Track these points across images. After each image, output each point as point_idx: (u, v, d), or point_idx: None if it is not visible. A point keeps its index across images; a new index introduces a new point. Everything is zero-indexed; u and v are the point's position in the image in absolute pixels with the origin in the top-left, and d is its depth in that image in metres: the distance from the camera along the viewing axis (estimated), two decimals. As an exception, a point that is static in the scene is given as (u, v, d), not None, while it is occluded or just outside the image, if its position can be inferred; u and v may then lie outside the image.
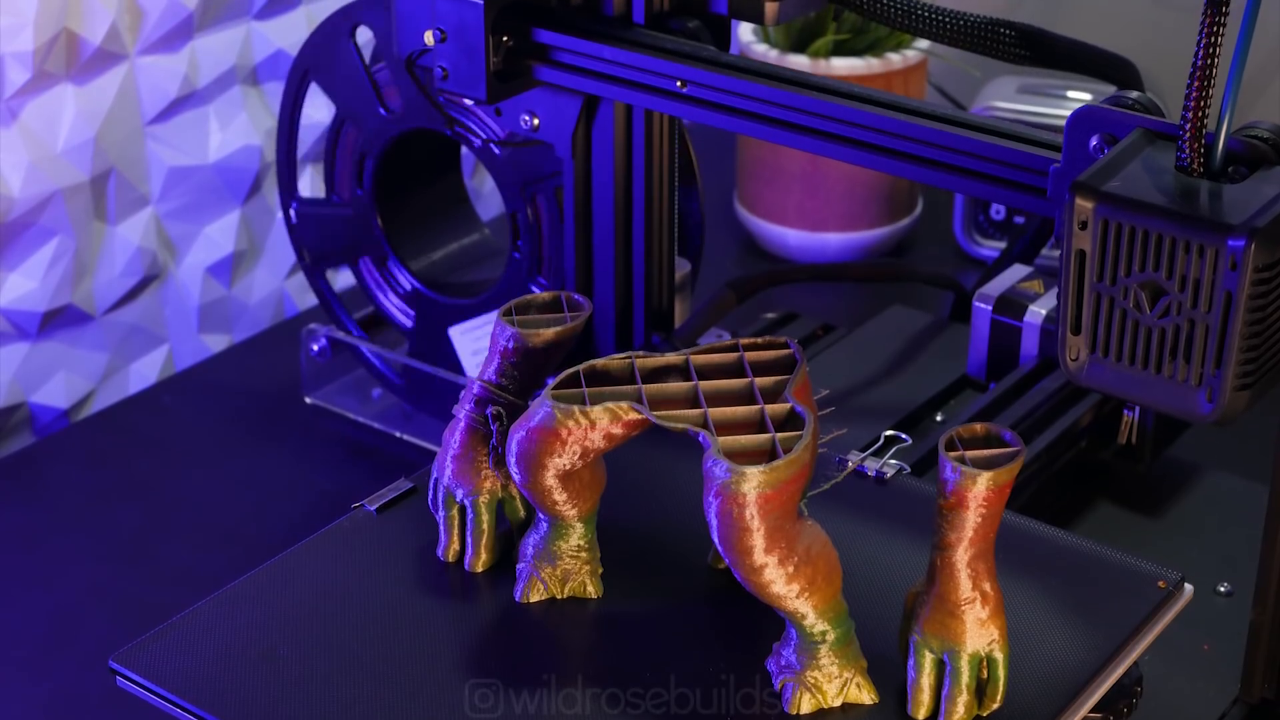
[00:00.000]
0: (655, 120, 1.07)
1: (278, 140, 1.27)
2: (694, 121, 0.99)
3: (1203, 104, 0.77)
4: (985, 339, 1.17)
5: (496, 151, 1.16)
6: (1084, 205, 0.77)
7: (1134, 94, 0.84)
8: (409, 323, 1.26)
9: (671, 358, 0.85)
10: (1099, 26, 0.98)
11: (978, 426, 0.80)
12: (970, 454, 0.78)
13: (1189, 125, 0.78)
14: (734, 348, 0.86)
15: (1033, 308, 1.15)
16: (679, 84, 0.98)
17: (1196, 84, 0.77)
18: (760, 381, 0.83)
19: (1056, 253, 1.47)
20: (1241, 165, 0.79)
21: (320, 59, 1.22)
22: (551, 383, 0.85)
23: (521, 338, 0.90)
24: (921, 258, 1.56)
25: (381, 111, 1.20)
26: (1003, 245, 1.49)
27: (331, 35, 1.21)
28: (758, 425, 0.81)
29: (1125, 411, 1.13)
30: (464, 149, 1.30)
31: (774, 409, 0.81)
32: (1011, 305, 1.16)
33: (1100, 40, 1.05)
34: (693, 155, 1.18)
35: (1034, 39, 0.98)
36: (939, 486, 0.79)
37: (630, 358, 0.85)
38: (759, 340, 0.86)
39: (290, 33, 1.46)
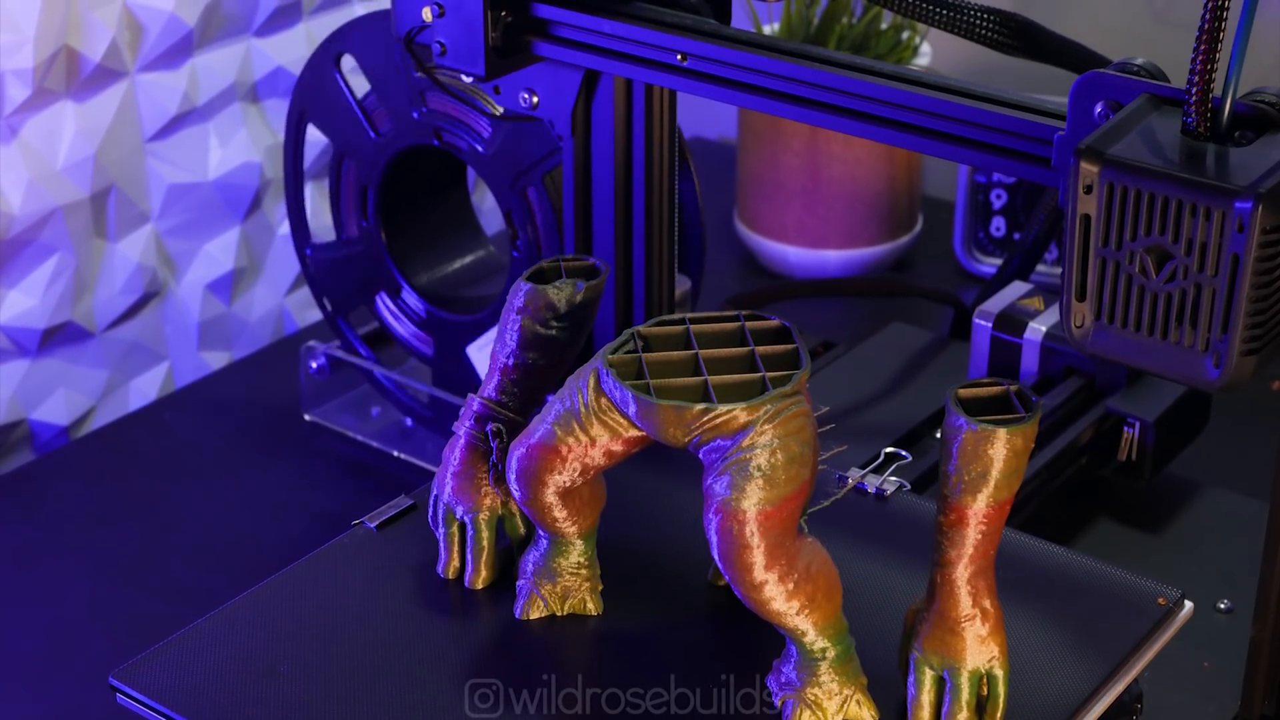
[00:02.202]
0: (655, 96, 1.06)
1: (285, 187, 1.27)
2: (695, 96, 0.98)
3: (1209, 67, 0.76)
4: (985, 356, 1.17)
5: (481, 150, 1.16)
6: (1089, 169, 0.76)
7: (1139, 60, 0.83)
8: (429, 350, 1.26)
9: (672, 327, 0.85)
10: (1098, 42, 0.98)
11: (986, 385, 0.80)
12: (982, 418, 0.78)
13: (1195, 88, 0.77)
14: (735, 318, 0.85)
15: (1033, 324, 1.15)
16: (680, 57, 0.97)
17: (1203, 46, 0.76)
18: (761, 350, 0.83)
19: (1055, 270, 1.47)
20: (1248, 130, 0.78)
21: (311, 98, 1.22)
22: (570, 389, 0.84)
23: (542, 295, 0.90)
24: (921, 275, 1.56)
25: (372, 135, 1.20)
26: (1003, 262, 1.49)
27: (318, 70, 1.21)
28: (759, 392, 0.80)
29: (1125, 429, 1.13)
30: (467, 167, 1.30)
31: (776, 376, 0.81)
32: (1012, 322, 1.16)
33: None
34: (693, 170, 1.18)
35: (1026, 31, 0.98)
36: (944, 449, 0.79)
37: (633, 332, 0.84)
38: (759, 313, 0.86)
39: (290, 50, 1.46)
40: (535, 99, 1.05)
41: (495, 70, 1.03)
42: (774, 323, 0.85)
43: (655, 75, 0.99)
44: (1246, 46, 0.76)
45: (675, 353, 0.83)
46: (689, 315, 0.85)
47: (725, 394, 0.80)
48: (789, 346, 0.83)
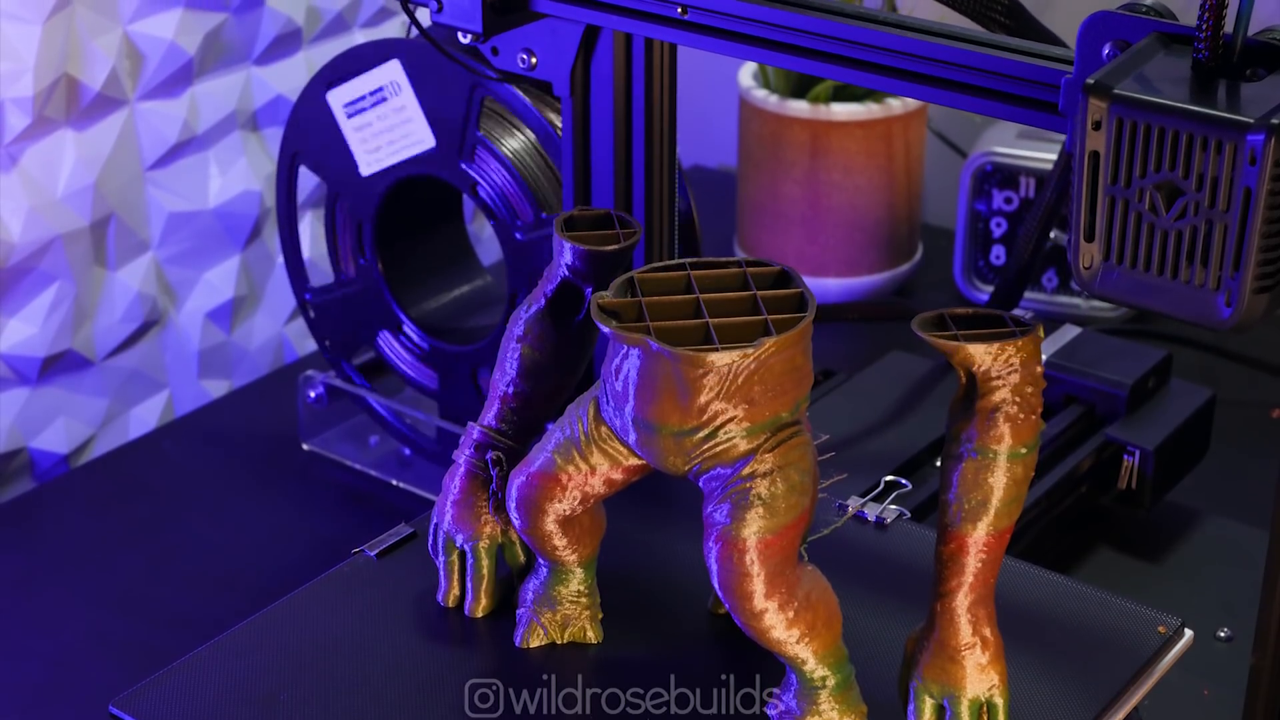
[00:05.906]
0: (656, 52, 1.04)
1: (280, 231, 1.27)
2: (697, 50, 0.96)
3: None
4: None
5: (519, 237, 1.15)
6: (1098, 104, 0.75)
7: (1148, 0, 0.81)
8: (434, 384, 1.25)
9: (671, 273, 0.83)
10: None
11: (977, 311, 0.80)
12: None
13: (1206, 21, 0.75)
14: (737, 263, 0.84)
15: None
16: (680, 10, 0.95)
17: None
18: (764, 294, 0.81)
19: (1055, 298, 1.47)
20: (1260, 66, 0.76)
21: (301, 137, 1.22)
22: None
23: (586, 251, 0.89)
24: (922, 303, 1.56)
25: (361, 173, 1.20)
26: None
27: (307, 106, 1.21)
28: (761, 334, 0.79)
29: (1125, 457, 1.13)
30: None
31: (779, 319, 0.79)
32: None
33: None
34: (692, 199, 1.18)
35: (1014, 10, 0.97)
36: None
37: (631, 276, 0.82)
38: (760, 260, 0.84)
39: (290, 78, 1.46)
40: (534, 60, 1.03)
41: (493, 28, 1.00)
42: (776, 268, 0.83)
43: (655, 28, 0.97)
44: None
45: (675, 296, 0.81)
46: (689, 260, 0.83)
47: (727, 336, 0.78)
48: (794, 290, 0.81)
